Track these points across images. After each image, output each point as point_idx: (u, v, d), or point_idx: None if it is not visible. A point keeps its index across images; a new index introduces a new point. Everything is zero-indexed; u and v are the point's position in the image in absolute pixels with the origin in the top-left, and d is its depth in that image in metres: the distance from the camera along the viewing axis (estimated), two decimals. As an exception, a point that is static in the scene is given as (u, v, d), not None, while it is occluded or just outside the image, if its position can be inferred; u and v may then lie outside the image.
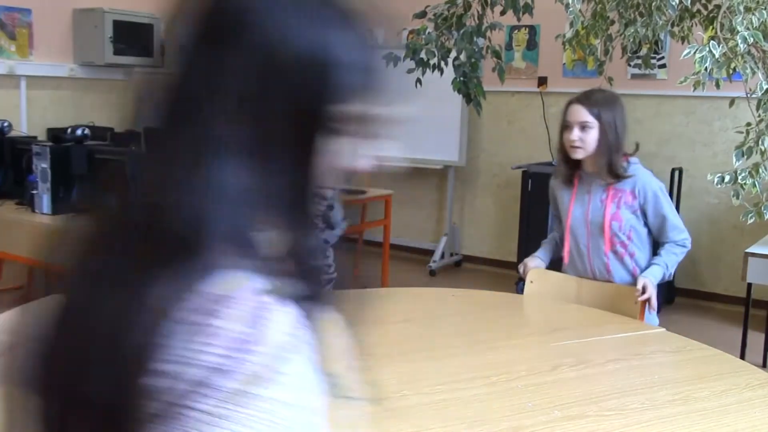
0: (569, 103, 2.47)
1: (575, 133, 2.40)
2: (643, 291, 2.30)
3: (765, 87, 2.90)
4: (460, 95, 4.43)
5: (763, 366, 3.94)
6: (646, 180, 2.45)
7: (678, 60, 4.35)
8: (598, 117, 2.39)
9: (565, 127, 2.45)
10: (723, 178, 2.97)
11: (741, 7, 2.82)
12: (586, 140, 2.40)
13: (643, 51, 4.45)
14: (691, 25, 3.75)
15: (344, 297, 0.85)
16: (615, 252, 2.47)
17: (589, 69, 5.18)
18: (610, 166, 2.41)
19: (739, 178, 2.91)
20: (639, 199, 2.43)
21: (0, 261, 4.96)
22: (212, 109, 0.70)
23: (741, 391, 1.70)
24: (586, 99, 2.43)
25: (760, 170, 2.90)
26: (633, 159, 2.50)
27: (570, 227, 2.52)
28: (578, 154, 2.44)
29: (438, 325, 2.18)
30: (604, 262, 2.47)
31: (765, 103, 2.96)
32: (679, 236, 2.46)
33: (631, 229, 2.45)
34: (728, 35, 2.85)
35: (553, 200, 2.65)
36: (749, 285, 3.75)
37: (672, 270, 2.45)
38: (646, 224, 2.48)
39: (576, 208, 2.51)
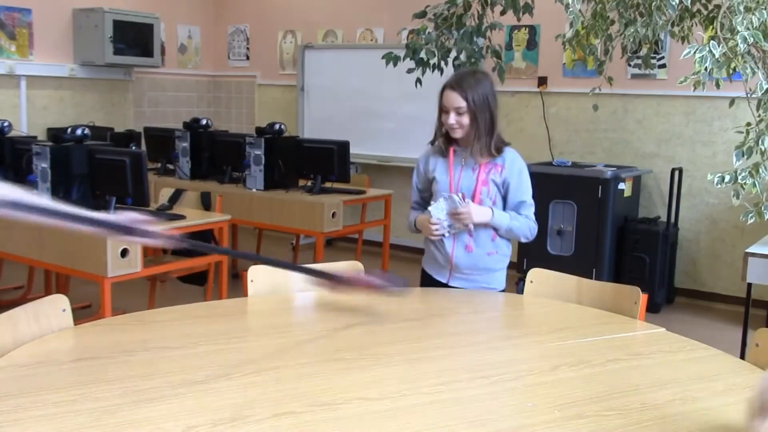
0: (444, 88, 2.66)
1: (452, 117, 2.62)
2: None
3: (765, 87, 2.90)
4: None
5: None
6: (514, 157, 2.70)
7: (678, 60, 4.35)
8: (468, 101, 2.60)
9: (443, 111, 2.66)
10: (723, 178, 2.97)
11: (741, 7, 2.82)
12: (462, 122, 2.63)
13: (643, 51, 4.45)
14: (691, 25, 3.75)
15: None
16: None
17: (589, 69, 5.19)
18: (486, 145, 2.64)
19: (739, 178, 2.92)
20: (506, 172, 2.67)
21: (0, 261, 4.96)
22: None
23: (741, 391, 1.69)
24: (458, 85, 2.61)
25: (760, 170, 2.90)
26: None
27: (441, 192, 2.70)
28: (457, 134, 2.66)
29: (438, 325, 2.17)
30: (468, 226, 2.65)
31: (765, 103, 2.96)
32: (532, 216, 2.71)
33: (496, 196, 2.68)
34: (728, 35, 2.85)
35: (423, 171, 2.80)
36: (749, 285, 3.75)
37: (511, 230, 2.67)
38: (504, 198, 2.72)
39: (453, 176, 2.70)
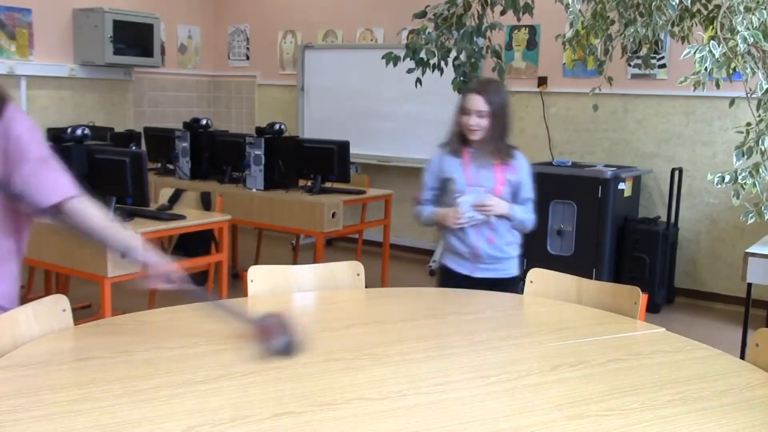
0: (468, 92, 2.91)
1: (473, 119, 2.83)
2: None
3: (765, 87, 2.90)
4: (460, 95, 4.43)
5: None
6: (522, 159, 2.96)
7: (678, 60, 4.35)
8: (492, 106, 2.83)
9: (464, 113, 2.87)
10: (723, 178, 2.97)
11: (741, 7, 2.82)
12: (481, 125, 2.84)
13: (643, 51, 4.45)
14: (691, 25, 3.75)
15: None
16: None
17: (589, 69, 5.19)
18: (497, 148, 2.87)
19: (739, 178, 2.91)
20: (519, 172, 2.92)
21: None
22: None
23: (741, 391, 1.70)
24: (483, 90, 2.85)
25: (760, 170, 2.90)
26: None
27: (465, 189, 2.88)
28: (476, 136, 2.86)
29: (438, 325, 2.18)
30: (491, 221, 2.87)
31: (765, 103, 2.96)
32: (532, 209, 2.98)
33: (509, 195, 2.91)
34: (728, 35, 2.85)
35: (438, 171, 2.96)
36: (749, 285, 3.75)
37: (523, 222, 2.93)
38: (513, 195, 2.95)
39: (470, 176, 2.89)
